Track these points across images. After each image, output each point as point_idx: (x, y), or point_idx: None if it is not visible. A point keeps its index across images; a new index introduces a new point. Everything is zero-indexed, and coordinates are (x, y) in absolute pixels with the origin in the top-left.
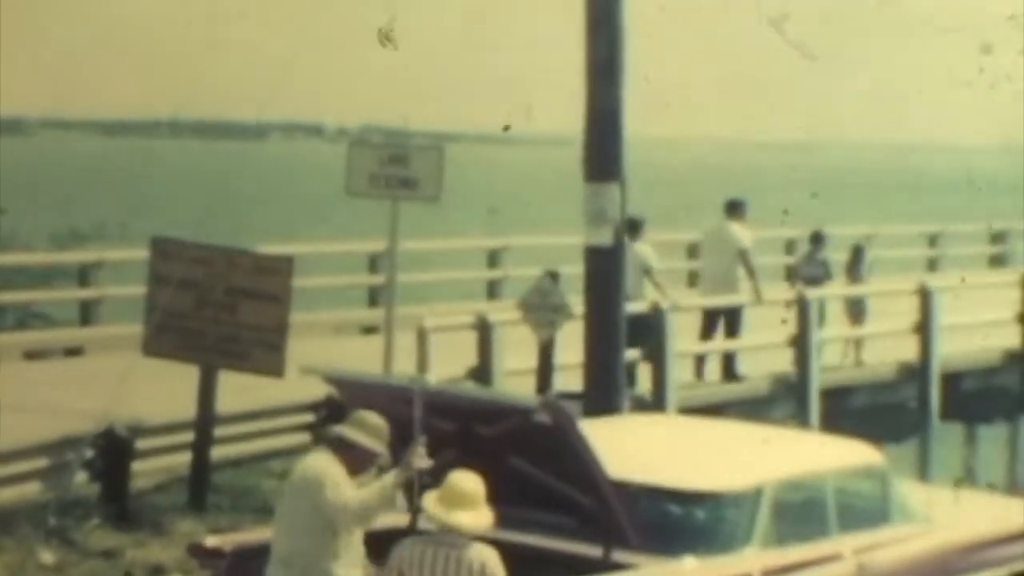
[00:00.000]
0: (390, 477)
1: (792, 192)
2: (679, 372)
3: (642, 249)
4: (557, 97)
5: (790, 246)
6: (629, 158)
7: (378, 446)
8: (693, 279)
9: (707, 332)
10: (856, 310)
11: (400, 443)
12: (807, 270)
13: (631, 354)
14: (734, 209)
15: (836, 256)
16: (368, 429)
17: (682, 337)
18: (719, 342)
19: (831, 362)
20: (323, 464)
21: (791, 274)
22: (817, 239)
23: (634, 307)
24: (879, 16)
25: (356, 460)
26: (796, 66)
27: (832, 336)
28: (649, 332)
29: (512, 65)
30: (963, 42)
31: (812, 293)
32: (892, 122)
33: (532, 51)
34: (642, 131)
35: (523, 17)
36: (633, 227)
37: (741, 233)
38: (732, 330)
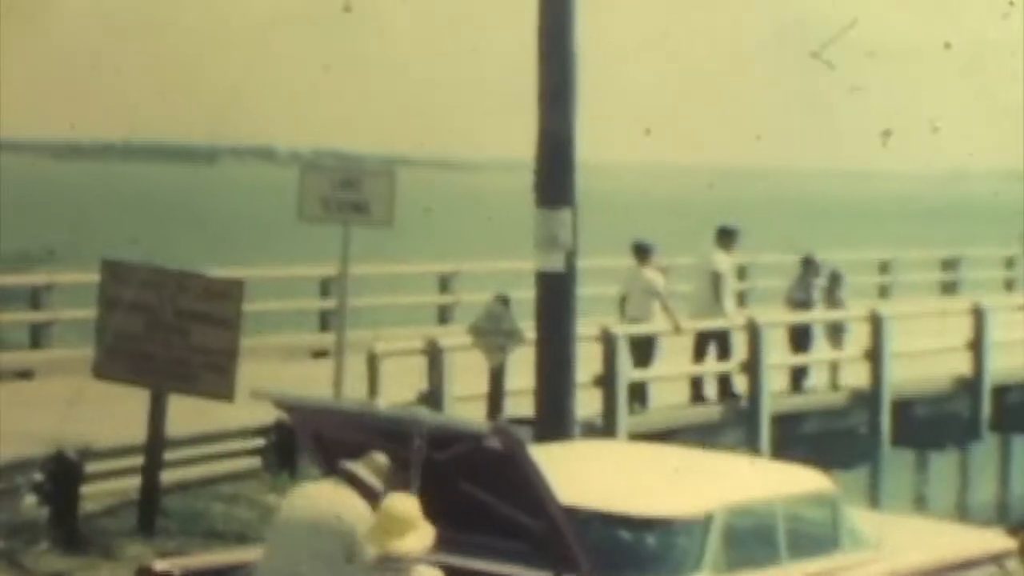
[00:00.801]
0: None
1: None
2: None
3: (650, 274)
4: (504, 123)
5: (741, 272)
6: (581, 183)
7: (379, 484)
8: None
9: (698, 355)
10: (836, 335)
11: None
12: (797, 294)
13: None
14: (722, 236)
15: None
16: (374, 467)
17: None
18: (672, 367)
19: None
20: (355, 506)
21: (742, 299)
22: (808, 264)
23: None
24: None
25: (361, 495)
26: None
27: (778, 363)
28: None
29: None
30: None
31: (763, 319)
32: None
33: (483, 76)
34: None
35: (473, 42)
36: (643, 252)
37: (721, 259)
38: (721, 353)
